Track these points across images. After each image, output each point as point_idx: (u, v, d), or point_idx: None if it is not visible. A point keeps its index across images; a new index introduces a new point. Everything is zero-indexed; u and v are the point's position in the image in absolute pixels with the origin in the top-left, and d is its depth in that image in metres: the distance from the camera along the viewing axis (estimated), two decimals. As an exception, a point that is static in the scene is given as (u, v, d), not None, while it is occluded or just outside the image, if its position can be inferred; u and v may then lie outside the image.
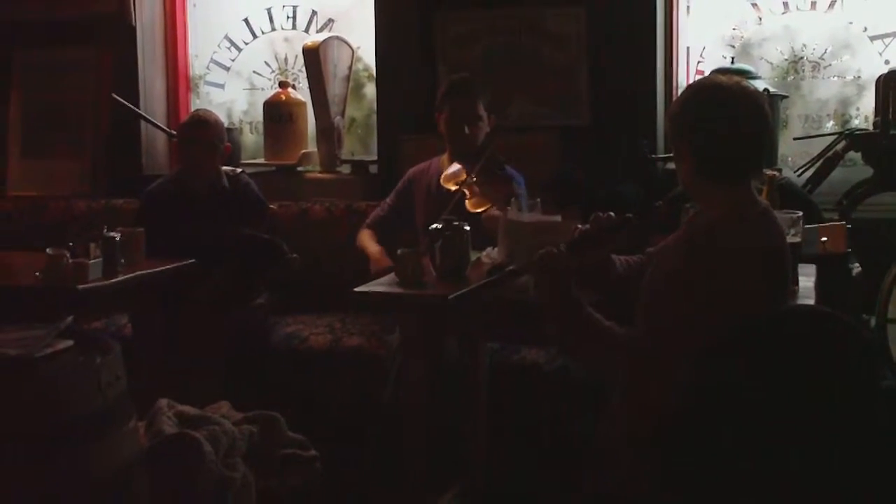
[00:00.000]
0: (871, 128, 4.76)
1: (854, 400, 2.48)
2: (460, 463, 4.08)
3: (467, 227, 3.60)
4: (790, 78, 5.25)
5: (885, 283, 4.11)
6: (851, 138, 4.66)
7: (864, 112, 5.12)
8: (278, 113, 5.67)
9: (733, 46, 5.31)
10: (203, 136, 4.77)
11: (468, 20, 5.33)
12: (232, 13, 6.07)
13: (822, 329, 2.52)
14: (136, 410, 2.79)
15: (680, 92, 4.77)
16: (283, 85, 5.73)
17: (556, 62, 5.21)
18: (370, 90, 5.83)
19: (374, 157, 5.64)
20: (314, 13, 5.96)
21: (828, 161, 4.67)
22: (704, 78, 2.99)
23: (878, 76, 4.65)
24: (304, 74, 5.62)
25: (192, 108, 5.93)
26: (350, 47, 5.71)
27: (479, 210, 4.06)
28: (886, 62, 5.07)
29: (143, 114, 5.77)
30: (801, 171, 4.75)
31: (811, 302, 3.08)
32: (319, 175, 5.63)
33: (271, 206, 5.12)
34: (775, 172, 3.93)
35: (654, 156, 5.00)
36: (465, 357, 4.11)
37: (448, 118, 4.46)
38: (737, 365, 2.48)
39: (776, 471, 2.45)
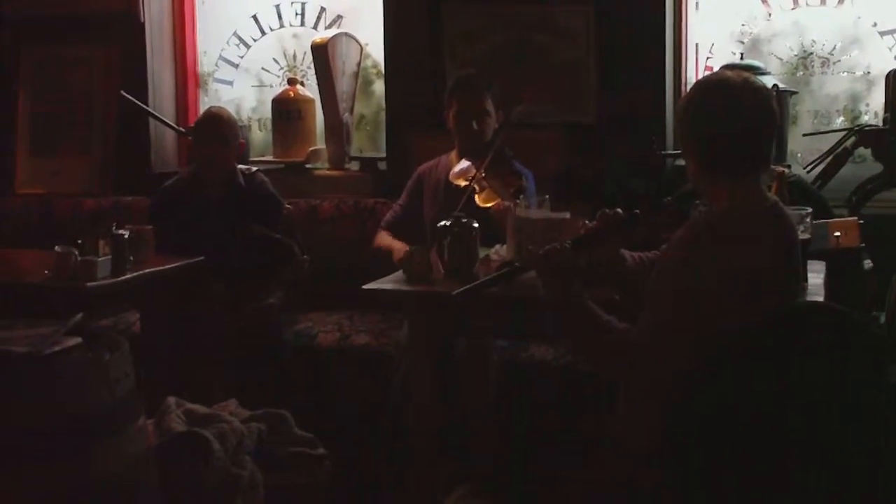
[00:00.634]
0: (880, 124, 4.74)
1: (864, 397, 2.48)
2: (469, 460, 4.08)
3: (476, 225, 3.60)
4: (799, 74, 5.24)
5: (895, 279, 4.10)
6: (861, 134, 4.65)
7: (873, 108, 5.11)
8: (287, 110, 5.67)
9: (742, 42, 5.29)
10: (218, 132, 4.77)
11: (476, 16, 5.32)
12: (240, 10, 6.06)
13: (831, 326, 2.51)
14: (144, 408, 2.79)
15: (688, 88, 4.78)
16: (291, 82, 5.73)
17: (564, 58, 5.19)
18: (379, 87, 5.82)
19: (383, 154, 5.64)
20: (323, 10, 5.96)
21: (837, 157, 4.66)
22: (712, 74, 3.00)
23: (887, 72, 4.64)
24: (313, 71, 5.61)
25: (201, 106, 5.95)
26: (359, 44, 5.71)
27: (488, 205, 4.06)
28: (896, 58, 5.06)
29: (152, 111, 5.77)
30: (810, 167, 4.73)
31: (820, 299, 3.07)
32: (328, 172, 5.63)
33: (289, 206, 5.11)
34: (784, 169, 3.92)
35: (662, 152, 4.99)
36: (474, 354, 4.11)
37: (455, 113, 4.45)
38: (746, 361, 2.48)
39: (785, 467, 2.45)
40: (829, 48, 5.18)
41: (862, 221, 3.77)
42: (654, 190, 4.70)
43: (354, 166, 5.65)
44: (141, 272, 4.13)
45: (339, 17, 5.92)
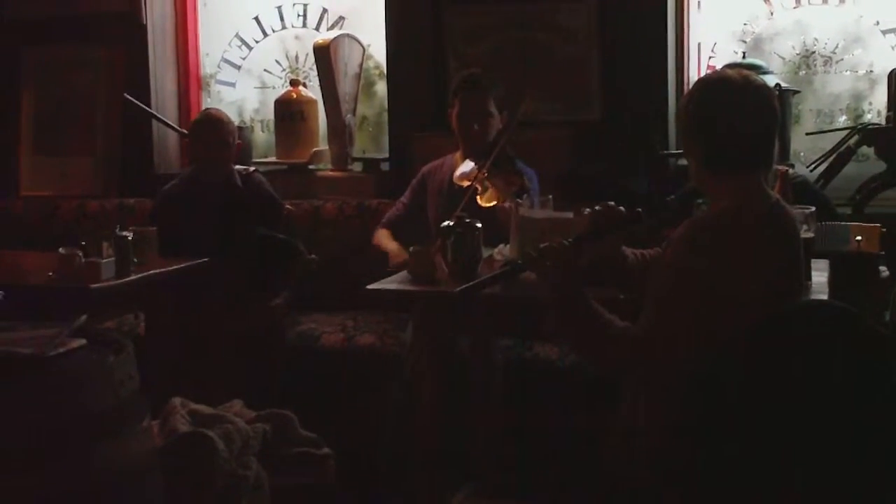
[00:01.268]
0: (883, 122, 4.74)
1: (869, 395, 2.48)
2: (474, 460, 4.08)
3: (479, 225, 3.60)
4: (802, 73, 5.24)
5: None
6: (864, 133, 4.65)
7: (876, 106, 5.10)
8: (289, 111, 5.67)
9: (745, 41, 5.29)
10: (216, 134, 4.76)
11: (478, 16, 5.32)
12: (242, 11, 6.07)
13: (836, 324, 2.51)
14: (149, 409, 2.79)
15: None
16: (294, 83, 5.74)
17: (567, 57, 5.20)
18: (381, 88, 5.83)
19: (386, 155, 5.64)
20: (325, 11, 5.96)
21: (840, 156, 4.66)
22: (713, 72, 3.00)
23: (890, 70, 4.64)
24: (315, 72, 5.62)
25: (204, 107, 5.93)
26: (361, 45, 5.71)
27: (490, 205, 4.06)
28: (899, 56, 5.06)
29: (155, 113, 5.78)
30: (813, 166, 4.73)
31: (824, 297, 3.07)
32: (331, 173, 5.63)
33: (289, 206, 5.11)
34: (788, 168, 3.92)
35: (665, 151, 4.99)
36: (478, 354, 4.11)
37: (458, 114, 4.45)
38: (749, 359, 2.48)
39: (792, 466, 2.45)
40: (832, 47, 5.18)
41: (885, 229, 3.76)
42: (656, 189, 4.70)
43: (357, 167, 5.66)
44: (145, 274, 4.13)
45: (342, 18, 5.93)
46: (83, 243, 4.04)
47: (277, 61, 6.07)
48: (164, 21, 5.99)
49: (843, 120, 5.18)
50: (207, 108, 5.17)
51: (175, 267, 4.27)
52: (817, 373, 2.45)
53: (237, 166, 4.93)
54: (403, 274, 3.63)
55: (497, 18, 5.29)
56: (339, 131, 5.56)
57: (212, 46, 6.13)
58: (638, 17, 5.09)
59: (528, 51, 5.24)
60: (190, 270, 4.31)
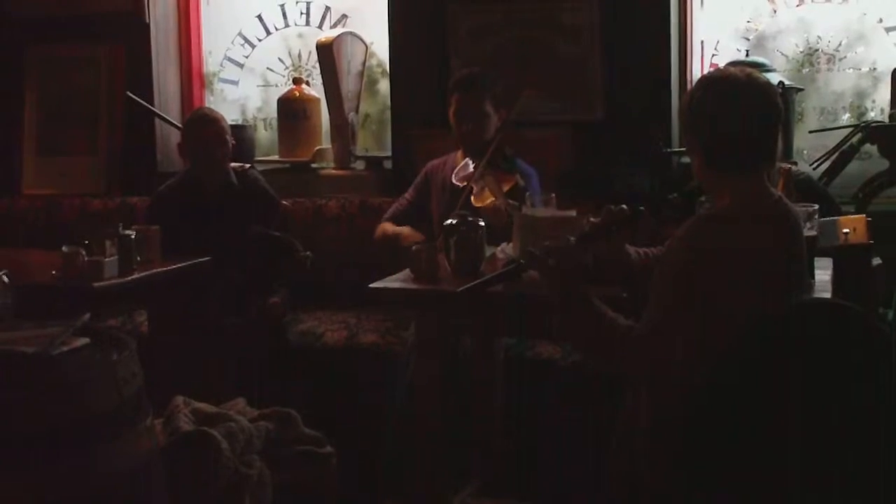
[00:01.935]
0: (886, 120, 4.74)
1: (871, 394, 2.47)
2: (476, 459, 4.08)
3: (482, 223, 3.60)
4: (805, 70, 5.23)
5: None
6: (867, 131, 4.65)
7: (879, 104, 5.10)
8: (292, 109, 5.67)
9: (748, 39, 5.29)
10: (216, 132, 4.76)
11: (481, 14, 5.32)
12: (245, 10, 6.07)
13: (839, 323, 2.51)
14: (152, 408, 2.79)
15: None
16: (296, 81, 5.74)
17: (569, 56, 5.19)
18: (384, 86, 5.82)
19: (389, 153, 5.63)
20: (328, 9, 5.96)
21: (844, 154, 4.66)
22: (716, 70, 3.00)
23: (893, 68, 4.64)
24: (318, 71, 5.62)
25: (207, 105, 5.93)
26: (364, 43, 5.71)
27: (484, 205, 4.06)
28: (902, 54, 5.06)
29: (158, 111, 5.78)
30: (816, 163, 4.73)
31: (828, 295, 3.06)
32: (334, 171, 5.63)
33: (286, 202, 5.12)
34: (791, 166, 3.92)
35: (668, 149, 4.99)
36: (481, 352, 4.11)
37: (453, 112, 4.46)
38: (753, 359, 2.48)
39: (793, 465, 2.44)
40: (835, 44, 5.18)
41: (870, 219, 3.77)
42: (659, 187, 4.70)
43: (360, 165, 5.66)
44: (148, 272, 4.13)
45: (344, 16, 5.93)
46: (86, 242, 4.03)
47: (280, 59, 6.07)
48: (167, 19, 5.99)
49: (846, 118, 5.18)
50: (200, 108, 5.16)
51: (178, 265, 4.27)
52: (820, 371, 2.44)
53: (233, 164, 4.92)
54: (406, 272, 3.63)
55: (499, 17, 5.29)
56: (342, 129, 5.56)
57: (215, 44, 6.13)
58: (641, 15, 5.08)
59: (530, 49, 5.24)
60: (193, 269, 4.31)
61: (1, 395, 2.48)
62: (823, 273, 3.29)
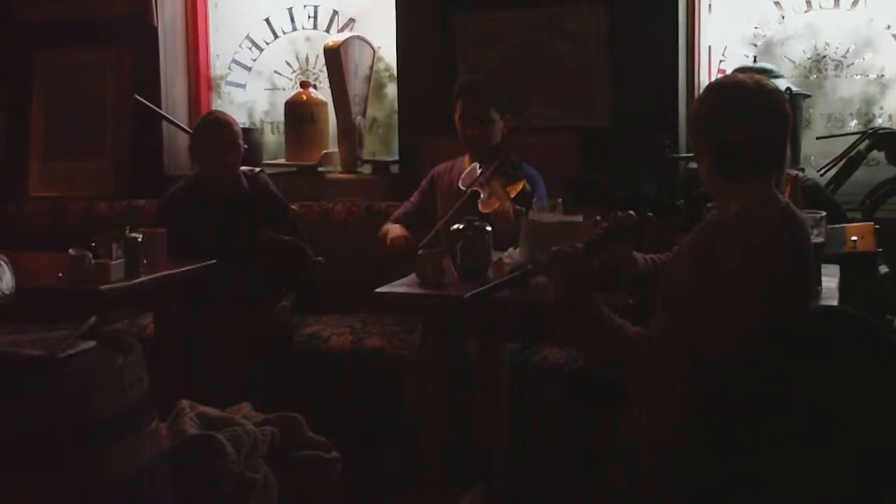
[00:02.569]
0: (894, 126, 4.74)
1: (879, 401, 2.47)
2: (480, 464, 4.07)
3: (489, 228, 3.60)
4: (813, 77, 5.23)
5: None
6: (875, 137, 4.65)
7: (887, 111, 5.10)
8: (299, 113, 5.68)
9: (756, 45, 5.28)
10: (228, 137, 4.74)
11: (489, 20, 5.32)
12: (253, 13, 6.08)
13: (847, 330, 2.50)
14: (158, 411, 2.79)
15: (701, 91, 4.76)
16: (304, 85, 5.74)
17: (576, 62, 5.19)
18: (391, 90, 5.83)
19: (396, 158, 5.64)
20: (335, 13, 5.96)
21: (851, 160, 4.66)
22: (724, 76, 3.00)
23: (901, 74, 4.64)
24: (326, 74, 5.63)
25: (214, 109, 5.93)
26: (371, 47, 5.72)
27: (490, 210, 4.06)
28: (910, 60, 5.05)
29: (165, 114, 5.79)
30: (824, 170, 4.73)
31: (834, 302, 3.06)
32: (340, 175, 5.63)
33: (292, 206, 5.12)
34: (798, 172, 3.91)
35: (674, 155, 4.98)
36: (486, 357, 4.10)
37: (458, 117, 4.47)
38: (761, 366, 2.47)
39: (800, 472, 2.44)
40: (843, 51, 5.17)
41: (878, 226, 3.76)
42: (665, 193, 4.69)
43: (367, 169, 5.66)
44: (154, 275, 4.13)
45: (352, 20, 5.93)
46: (93, 245, 4.03)
47: (288, 63, 6.07)
48: (174, 23, 6.00)
49: (853, 124, 5.17)
50: (212, 111, 5.15)
51: (184, 268, 4.28)
52: (827, 379, 2.44)
53: (243, 167, 4.92)
54: (412, 277, 3.62)
55: (507, 23, 5.29)
56: (349, 133, 5.57)
57: (222, 48, 6.14)
58: (648, 21, 5.08)
59: (537, 55, 5.24)
60: (199, 272, 4.32)
61: (6, 398, 2.48)
62: (830, 280, 3.28)
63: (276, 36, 6.07)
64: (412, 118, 5.48)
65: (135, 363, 2.67)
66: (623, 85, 5.12)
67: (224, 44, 6.14)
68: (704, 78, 5.29)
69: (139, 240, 4.10)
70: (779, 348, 2.47)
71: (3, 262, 3.53)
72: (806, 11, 5.21)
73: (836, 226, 3.63)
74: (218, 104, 6.09)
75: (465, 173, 4.29)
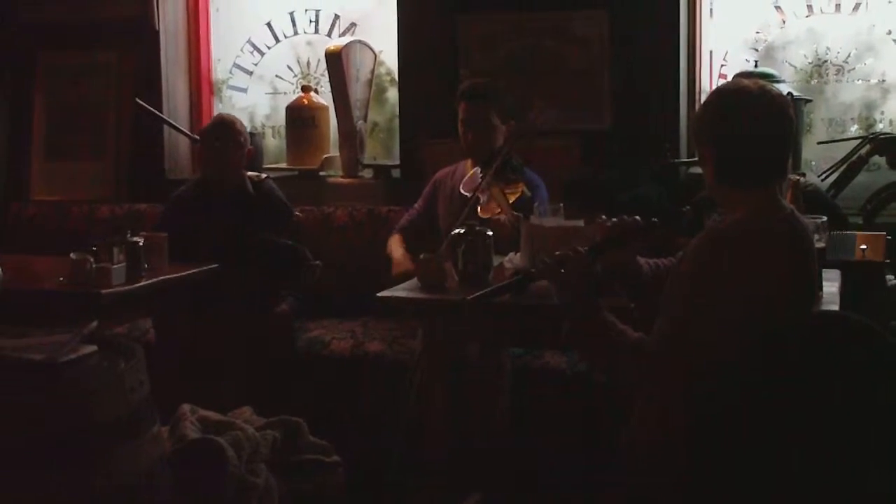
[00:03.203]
0: (895, 132, 4.73)
1: (881, 406, 2.47)
2: (481, 468, 4.07)
3: (490, 233, 3.60)
4: (814, 81, 5.23)
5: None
6: (876, 142, 4.66)
7: (888, 116, 5.10)
8: (301, 117, 5.68)
9: (757, 50, 5.29)
10: (230, 135, 4.77)
11: (490, 23, 5.32)
12: (255, 17, 6.08)
13: (849, 336, 2.50)
14: (159, 415, 2.80)
15: (703, 96, 4.77)
16: (305, 89, 5.75)
17: (578, 66, 5.19)
18: (392, 94, 5.83)
19: (397, 162, 5.64)
20: (337, 17, 5.97)
21: (852, 165, 4.66)
22: (729, 82, 2.98)
23: (902, 80, 4.64)
24: (327, 78, 5.63)
25: (215, 113, 5.95)
26: (372, 51, 5.72)
27: (489, 216, 4.05)
28: (911, 65, 5.05)
29: (166, 118, 5.79)
30: (825, 175, 4.73)
31: (835, 307, 3.06)
32: (342, 179, 5.63)
33: (298, 213, 5.11)
34: (799, 177, 3.91)
35: (676, 160, 4.98)
36: (487, 362, 4.10)
37: (460, 121, 4.47)
38: (763, 370, 2.47)
39: (802, 477, 2.44)
40: (844, 56, 5.17)
41: (889, 237, 3.76)
42: (667, 198, 4.69)
43: (368, 174, 5.66)
44: (156, 279, 4.13)
45: (353, 24, 5.93)
46: (94, 248, 4.04)
47: (289, 67, 6.08)
48: (176, 26, 6.00)
49: (854, 129, 5.17)
50: (219, 113, 5.19)
51: (185, 273, 4.28)
52: (829, 384, 2.44)
53: (250, 173, 4.93)
54: (413, 282, 3.62)
55: (509, 27, 5.29)
56: (350, 138, 5.57)
57: (224, 52, 6.15)
58: (650, 26, 5.08)
59: (539, 59, 5.24)
60: (200, 276, 4.32)
61: (8, 402, 2.48)
62: (831, 285, 3.28)
63: (277, 40, 6.08)
64: (413, 122, 5.49)
65: (136, 367, 2.68)
66: (625, 89, 5.12)
67: (225, 48, 6.14)
68: (705, 82, 5.30)
69: (140, 244, 4.11)
70: (780, 353, 2.47)
71: None
72: (807, 16, 5.21)
73: (846, 233, 3.63)
74: (219, 108, 6.09)
75: (466, 178, 4.29)
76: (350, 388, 4.57)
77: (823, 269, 3.23)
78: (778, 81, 4.61)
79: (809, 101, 4.92)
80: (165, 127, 5.83)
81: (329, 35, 5.98)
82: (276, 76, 6.10)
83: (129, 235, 4.12)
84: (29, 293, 4.13)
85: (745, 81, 2.76)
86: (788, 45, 5.26)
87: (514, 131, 4.42)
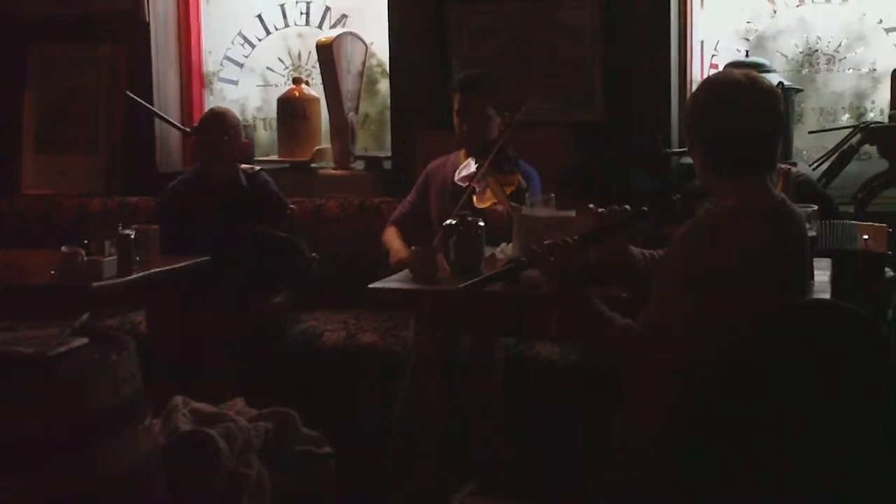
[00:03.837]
0: (886, 121, 4.74)
1: (871, 394, 2.47)
2: (474, 459, 4.08)
3: (481, 223, 3.60)
4: (805, 71, 5.23)
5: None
6: (867, 131, 4.65)
7: (879, 105, 5.10)
8: (292, 109, 5.68)
9: (748, 39, 5.29)
10: (223, 127, 4.77)
11: (482, 14, 5.31)
12: (245, 9, 6.07)
13: (839, 323, 2.51)
14: (151, 408, 2.80)
15: (694, 86, 4.76)
16: (296, 81, 5.74)
17: (569, 56, 5.19)
18: (384, 86, 5.82)
19: (388, 153, 5.64)
20: (327, 9, 5.96)
21: (843, 154, 4.66)
22: (720, 72, 3.00)
23: (893, 68, 4.64)
24: (318, 70, 5.62)
25: (206, 105, 5.96)
26: (363, 43, 5.71)
27: (485, 206, 4.05)
28: (902, 54, 5.05)
29: (157, 111, 5.78)
30: (816, 164, 4.73)
31: (827, 296, 3.06)
32: (333, 171, 5.63)
33: (291, 206, 5.11)
34: (790, 166, 3.92)
35: (667, 150, 4.98)
36: (480, 352, 4.11)
37: (455, 112, 4.46)
38: (754, 359, 2.47)
39: (792, 466, 2.44)
40: (835, 45, 5.17)
41: (891, 230, 3.76)
42: (659, 187, 4.69)
43: (359, 165, 5.66)
44: (147, 272, 4.13)
45: (344, 16, 5.93)
46: (85, 242, 4.03)
47: (280, 59, 6.07)
48: (166, 19, 5.99)
49: (845, 118, 5.17)
50: (214, 107, 5.21)
51: (177, 265, 4.27)
52: (819, 372, 2.44)
53: (243, 165, 4.93)
54: (405, 273, 3.62)
55: (500, 17, 5.29)
56: (342, 129, 5.56)
57: (214, 44, 6.14)
58: (641, 16, 5.08)
59: (530, 50, 5.24)
60: (192, 269, 4.31)
61: (0, 395, 2.48)
62: (822, 273, 3.28)
63: (268, 32, 6.07)
64: (404, 114, 5.48)
65: (128, 360, 2.68)
66: (616, 79, 5.12)
67: (216, 40, 6.13)
68: (697, 72, 5.30)
69: (132, 237, 4.10)
70: (771, 341, 2.47)
71: None
72: (798, 6, 5.21)
73: (847, 222, 3.63)
74: (210, 100, 6.09)
75: (460, 168, 4.28)
76: (343, 380, 4.57)
77: (815, 258, 3.23)
78: (769, 71, 4.61)
79: (800, 90, 4.92)
80: (156, 120, 5.82)
81: (320, 27, 5.97)
82: (267, 68, 6.09)
83: (120, 228, 4.12)
84: (20, 287, 4.12)
85: (736, 72, 2.77)
86: (779, 35, 5.25)
87: (507, 123, 4.41)
